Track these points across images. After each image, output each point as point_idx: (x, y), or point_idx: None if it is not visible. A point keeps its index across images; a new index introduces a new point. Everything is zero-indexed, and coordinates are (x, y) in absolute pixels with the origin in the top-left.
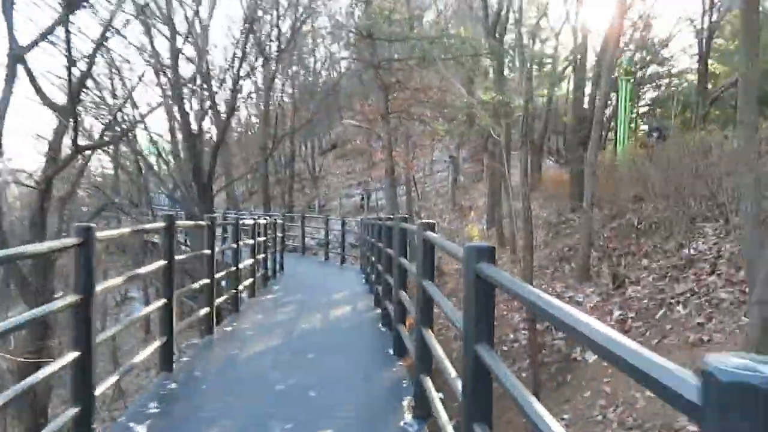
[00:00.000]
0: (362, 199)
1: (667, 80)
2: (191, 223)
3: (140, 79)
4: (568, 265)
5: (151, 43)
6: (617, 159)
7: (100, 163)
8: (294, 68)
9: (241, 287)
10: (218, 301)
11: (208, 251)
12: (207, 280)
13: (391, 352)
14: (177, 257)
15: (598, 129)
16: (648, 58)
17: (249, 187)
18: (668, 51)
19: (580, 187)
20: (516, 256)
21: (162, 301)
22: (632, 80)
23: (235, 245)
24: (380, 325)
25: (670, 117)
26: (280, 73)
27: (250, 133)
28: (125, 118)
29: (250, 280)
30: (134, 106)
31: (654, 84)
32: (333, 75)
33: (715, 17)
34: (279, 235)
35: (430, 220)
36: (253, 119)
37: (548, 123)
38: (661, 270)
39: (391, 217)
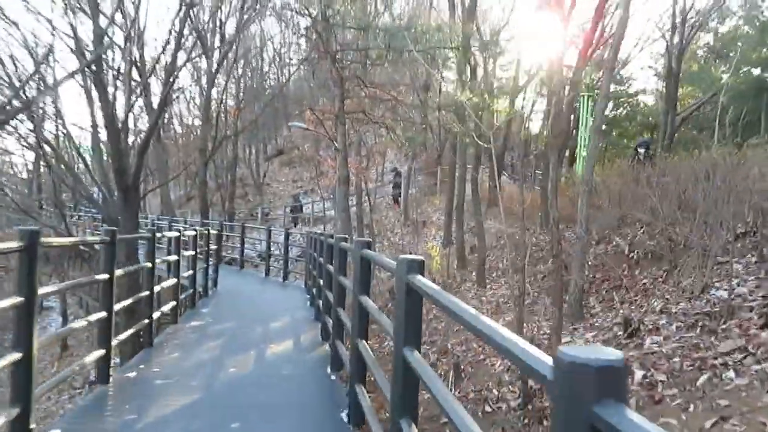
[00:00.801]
0: (293, 210)
1: (625, 99)
2: (67, 240)
3: (50, 52)
4: (549, 298)
5: (71, 23)
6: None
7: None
8: (239, 69)
9: (158, 314)
10: (117, 340)
11: (104, 276)
12: (103, 314)
13: (345, 417)
14: (44, 290)
15: (596, 138)
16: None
17: (187, 192)
18: (626, 71)
19: (555, 204)
20: (485, 288)
21: (15, 356)
22: (593, 96)
23: (150, 264)
24: (329, 370)
25: (626, 136)
26: (224, 73)
27: (192, 136)
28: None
29: (172, 304)
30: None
31: (613, 103)
32: (281, 78)
33: (687, 34)
34: (214, 247)
35: (418, 257)
36: (197, 121)
37: (507, 137)
38: (687, 317)
39: (345, 237)
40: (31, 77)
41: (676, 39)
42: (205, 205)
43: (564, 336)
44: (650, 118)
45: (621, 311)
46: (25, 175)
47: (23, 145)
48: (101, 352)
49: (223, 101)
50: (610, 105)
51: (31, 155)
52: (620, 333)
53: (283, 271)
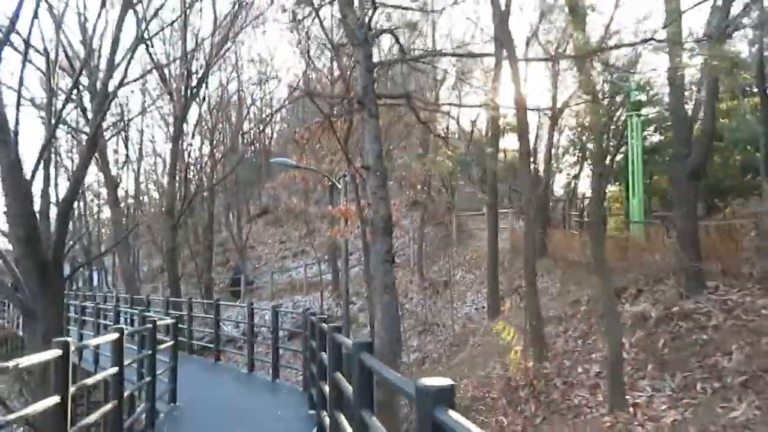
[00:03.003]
0: (232, 283)
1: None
2: None
3: None
4: None
5: None
6: (632, 214)
7: None
8: (212, 118)
9: None
10: None
11: None
12: None
13: None
14: None
15: None
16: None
17: (162, 264)
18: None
19: (694, 251)
20: (627, 411)
21: None
22: (641, 117)
23: None
24: None
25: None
26: (196, 123)
27: (159, 198)
28: None
29: None
30: None
31: (655, 127)
32: (260, 133)
33: None
34: (169, 343)
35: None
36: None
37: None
38: None
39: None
40: None
41: None
42: (174, 278)
43: None
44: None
45: None
46: None
47: None
48: None
49: (191, 152)
50: (651, 128)
51: None
52: None
53: (272, 365)
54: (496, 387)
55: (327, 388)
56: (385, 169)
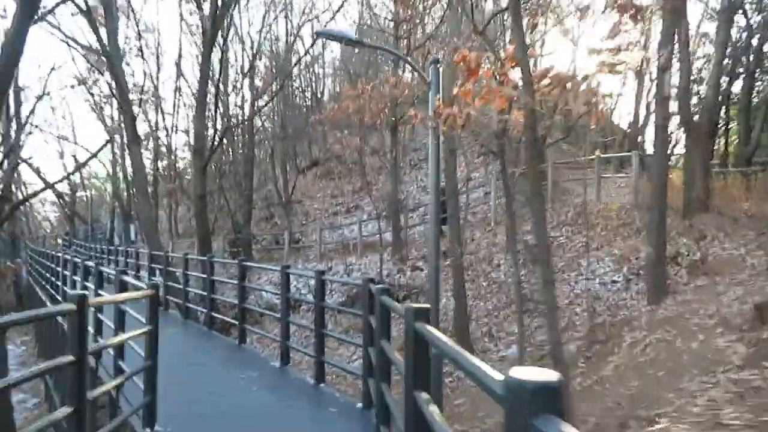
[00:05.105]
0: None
1: None
2: None
3: None
4: None
5: None
6: None
7: None
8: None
9: None
10: None
11: None
12: None
13: None
14: None
15: None
16: None
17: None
18: None
19: None
20: None
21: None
22: None
23: None
24: None
25: None
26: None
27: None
28: None
29: None
30: None
31: None
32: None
33: None
34: (144, 328)
35: None
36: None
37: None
38: None
39: None
40: None
41: None
42: (205, 232)
43: None
44: None
45: None
46: None
47: None
48: None
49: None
50: None
51: None
52: None
53: (315, 364)
54: None
55: None
56: None
